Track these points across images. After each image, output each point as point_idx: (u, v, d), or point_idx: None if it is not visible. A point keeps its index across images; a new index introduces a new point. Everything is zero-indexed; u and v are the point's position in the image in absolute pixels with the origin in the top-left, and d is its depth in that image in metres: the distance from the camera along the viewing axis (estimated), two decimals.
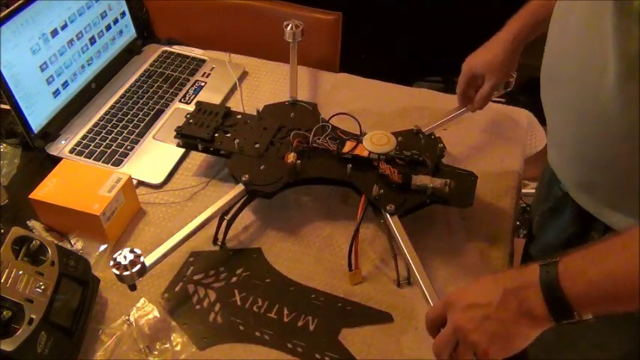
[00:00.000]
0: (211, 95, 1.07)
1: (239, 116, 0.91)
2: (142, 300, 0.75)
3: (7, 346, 0.60)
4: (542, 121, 0.99)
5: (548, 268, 0.52)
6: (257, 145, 0.85)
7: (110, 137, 0.98)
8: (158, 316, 0.74)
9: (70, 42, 1.00)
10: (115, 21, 1.11)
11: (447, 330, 0.57)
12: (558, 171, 0.75)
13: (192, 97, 1.07)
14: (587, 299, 0.50)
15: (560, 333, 0.79)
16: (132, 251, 0.66)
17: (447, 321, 0.57)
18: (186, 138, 0.87)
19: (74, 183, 0.82)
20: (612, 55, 0.55)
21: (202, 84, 1.10)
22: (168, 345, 0.72)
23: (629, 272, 0.48)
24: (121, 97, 1.06)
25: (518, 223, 0.92)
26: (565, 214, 0.79)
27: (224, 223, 0.81)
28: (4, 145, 0.96)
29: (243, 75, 1.14)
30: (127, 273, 0.65)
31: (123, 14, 1.13)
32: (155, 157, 0.95)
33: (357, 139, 0.83)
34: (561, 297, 0.50)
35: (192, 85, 1.09)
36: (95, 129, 0.99)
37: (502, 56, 0.84)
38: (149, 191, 0.91)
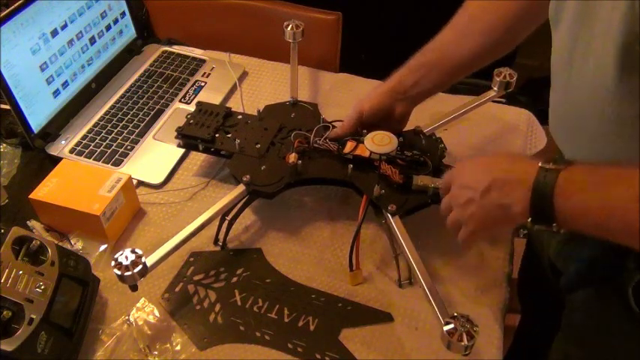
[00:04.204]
0: (211, 95, 1.07)
1: (240, 116, 0.90)
2: (142, 300, 0.75)
3: (7, 346, 0.60)
4: (542, 121, 0.99)
5: (547, 173, 0.53)
6: (258, 146, 0.85)
7: (110, 137, 0.97)
8: (158, 316, 0.74)
9: (70, 42, 1.00)
10: (115, 21, 1.11)
11: (446, 198, 0.66)
12: None
13: (192, 97, 1.07)
14: (575, 218, 0.52)
15: (589, 354, 0.77)
16: (133, 251, 0.66)
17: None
18: (187, 138, 0.87)
19: (74, 183, 0.82)
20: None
21: (202, 84, 1.10)
22: (168, 345, 0.72)
23: (628, 209, 0.48)
24: (121, 97, 1.06)
25: None
26: (587, 242, 0.74)
27: (225, 224, 0.81)
28: (4, 145, 0.96)
29: (243, 75, 1.14)
30: (129, 273, 0.65)
31: (123, 14, 1.12)
32: (155, 157, 0.95)
33: (358, 139, 0.83)
34: (549, 207, 0.52)
35: (192, 85, 1.09)
36: (95, 129, 0.99)
37: (378, 107, 0.82)
38: (149, 191, 0.91)
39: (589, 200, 0.51)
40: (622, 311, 0.69)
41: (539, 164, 0.54)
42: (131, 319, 0.73)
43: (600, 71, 0.57)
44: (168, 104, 1.05)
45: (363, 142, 0.79)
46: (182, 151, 0.95)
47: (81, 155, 0.94)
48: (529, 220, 0.55)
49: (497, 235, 0.84)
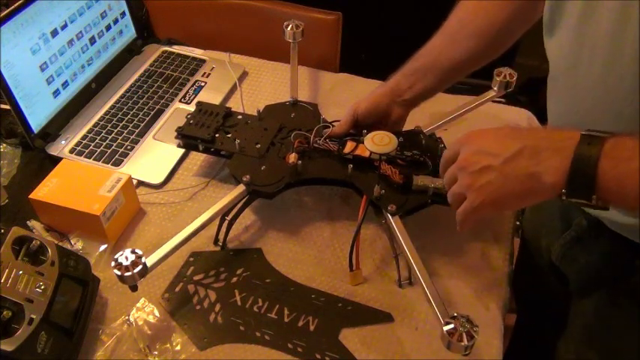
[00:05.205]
0: (211, 95, 1.07)
1: (240, 117, 0.90)
2: (142, 300, 0.75)
3: (7, 346, 0.60)
4: (542, 120, 0.99)
5: (591, 139, 0.49)
6: (258, 146, 0.85)
7: (110, 137, 0.97)
8: (158, 316, 0.74)
9: (70, 42, 1.00)
10: (115, 21, 1.11)
11: (452, 166, 0.58)
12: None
13: (192, 97, 1.07)
14: (621, 188, 0.47)
15: (601, 355, 0.76)
16: (133, 252, 0.66)
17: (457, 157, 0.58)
18: (187, 138, 0.87)
19: (74, 183, 0.82)
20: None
21: (202, 84, 1.10)
22: (168, 345, 0.72)
23: None
24: (121, 97, 1.06)
25: (518, 223, 0.92)
26: (595, 244, 0.73)
27: (225, 224, 0.81)
28: (4, 145, 0.96)
29: (243, 75, 1.14)
30: (129, 274, 0.65)
31: (123, 14, 1.13)
32: (155, 157, 0.95)
33: (358, 139, 0.83)
34: (591, 175, 0.47)
35: (192, 85, 1.09)
36: (95, 129, 0.99)
37: (373, 108, 0.82)
38: (149, 191, 0.91)
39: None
40: (634, 311, 0.69)
41: (582, 132, 0.50)
42: (131, 319, 0.73)
43: (614, 72, 0.56)
44: (168, 104, 1.05)
45: (363, 142, 0.79)
46: (182, 151, 0.95)
47: (81, 155, 0.94)
48: (563, 192, 0.50)
49: (498, 233, 0.84)
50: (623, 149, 0.49)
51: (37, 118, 0.95)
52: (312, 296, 0.77)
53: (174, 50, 1.18)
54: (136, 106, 1.04)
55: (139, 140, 0.97)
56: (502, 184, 0.53)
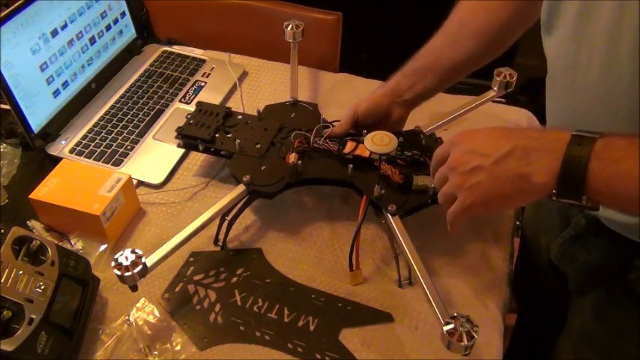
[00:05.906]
0: (211, 95, 1.07)
1: (240, 117, 0.91)
2: (142, 300, 0.75)
3: (7, 346, 0.60)
4: (542, 120, 1.00)
5: (582, 140, 0.49)
6: (258, 146, 0.85)
7: (110, 137, 0.97)
8: (158, 316, 0.74)
9: (70, 42, 1.00)
10: (115, 21, 1.11)
11: (443, 166, 0.58)
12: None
13: (192, 97, 1.07)
14: (611, 188, 0.47)
15: (600, 355, 0.76)
16: (133, 252, 0.66)
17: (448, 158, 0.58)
18: (187, 138, 0.87)
19: (74, 183, 0.82)
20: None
21: (202, 84, 1.10)
22: (168, 345, 0.72)
23: None
24: (121, 97, 1.06)
25: (518, 223, 0.92)
26: (594, 242, 0.73)
27: (225, 224, 0.81)
28: (4, 145, 0.96)
29: (243, 75, 1.14)
30: (129, 274, 0.65)
31: (123, 14, 1.13)
32: (155, 157, 0.95)
33: (358, 139, 0.83)
34: (581, 176, 0.48)
35: (192, 85, 1.09)
36: (95, 129, 0.99)
37: (373, 108, 0.82)
38: (149, 191, 0.91)
39: (631, 168, 0.46)
40: (632, 310, 0.69)
41: (573, 132, 0.50)
42: (131, 319, 0.73)
43: (612, 71, 0.56)
44: (168, 104, 1.05)
45: (363, 142, 0.79)
46: (182, 151, 0.95)
47: (81, 155, 0.94)
48: (553, 192, 0.50)
49: (498, 233, 0.84)
50: (613, 150, 0.49)
51: (37, 118, 0.95)
52: (312, 296, 0.77)
53: (174, 50, 1.18)
54: (136, 106, 1.04)
55: (139, 140, 0.97)
56: (492, 184, 0.53)
